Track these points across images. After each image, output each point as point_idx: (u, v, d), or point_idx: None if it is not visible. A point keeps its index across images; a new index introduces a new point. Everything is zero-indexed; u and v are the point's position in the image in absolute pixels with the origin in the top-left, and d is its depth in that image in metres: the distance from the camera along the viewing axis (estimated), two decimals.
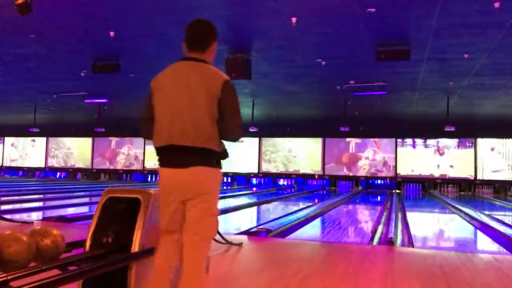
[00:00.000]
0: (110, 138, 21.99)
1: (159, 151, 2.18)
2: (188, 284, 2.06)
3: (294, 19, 7.06)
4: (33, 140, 23.56)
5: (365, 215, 10.52)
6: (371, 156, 18.96)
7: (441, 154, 18.16)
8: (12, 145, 24.10)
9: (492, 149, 17.70)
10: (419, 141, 18.43)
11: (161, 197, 2.20)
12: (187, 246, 2.11)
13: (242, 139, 20.19)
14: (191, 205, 2.12)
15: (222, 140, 2.19)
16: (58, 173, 23.37)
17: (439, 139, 18.03)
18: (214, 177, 2.16)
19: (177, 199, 2.14)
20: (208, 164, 2.11)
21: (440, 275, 3.64)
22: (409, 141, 18.57)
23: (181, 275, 2.09)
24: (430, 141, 18.29)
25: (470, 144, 17.89)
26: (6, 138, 24.14)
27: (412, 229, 7.17)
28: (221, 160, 2.20)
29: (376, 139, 18.80)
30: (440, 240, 6.82)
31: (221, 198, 12.32)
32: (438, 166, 18.11)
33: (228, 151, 2.22)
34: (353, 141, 19.05)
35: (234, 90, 2.19)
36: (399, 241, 5.84)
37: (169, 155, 2.14)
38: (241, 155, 20.32)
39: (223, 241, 4.40)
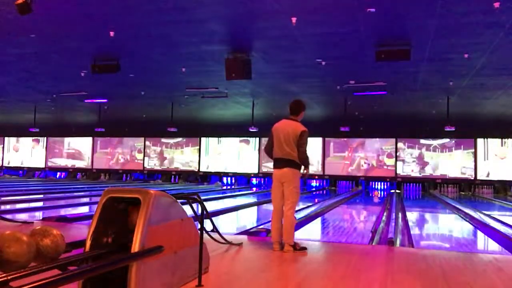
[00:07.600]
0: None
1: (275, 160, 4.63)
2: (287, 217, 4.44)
3: (294, 19, 7.06)
4: (35, 141, 23.55)
5: (365, 215, 10.53)
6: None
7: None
8: (13, 147, 24.09)
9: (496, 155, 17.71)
10: None
11: (273, 183, 4.63)
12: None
13: (241, 139, 20.30)
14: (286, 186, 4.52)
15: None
16: (58, 173, 23.35)
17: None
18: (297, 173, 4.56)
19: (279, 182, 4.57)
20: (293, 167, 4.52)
21: (440, 275, 3.64)
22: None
23: (284, 215, 4.48)
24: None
25: (470, 144, 17.91)
26: (6, 138, 24.14)
27: (412, 229, 7.18)
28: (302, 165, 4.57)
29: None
30: (440, 240, 6.82)
31: (222, 198, 12.42)
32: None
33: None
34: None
35: (306, 135, 4.50)
36: (399, 241, 5.84)
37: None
38: (241, 155, 20.31)
39: (223, 241, 4.40)
